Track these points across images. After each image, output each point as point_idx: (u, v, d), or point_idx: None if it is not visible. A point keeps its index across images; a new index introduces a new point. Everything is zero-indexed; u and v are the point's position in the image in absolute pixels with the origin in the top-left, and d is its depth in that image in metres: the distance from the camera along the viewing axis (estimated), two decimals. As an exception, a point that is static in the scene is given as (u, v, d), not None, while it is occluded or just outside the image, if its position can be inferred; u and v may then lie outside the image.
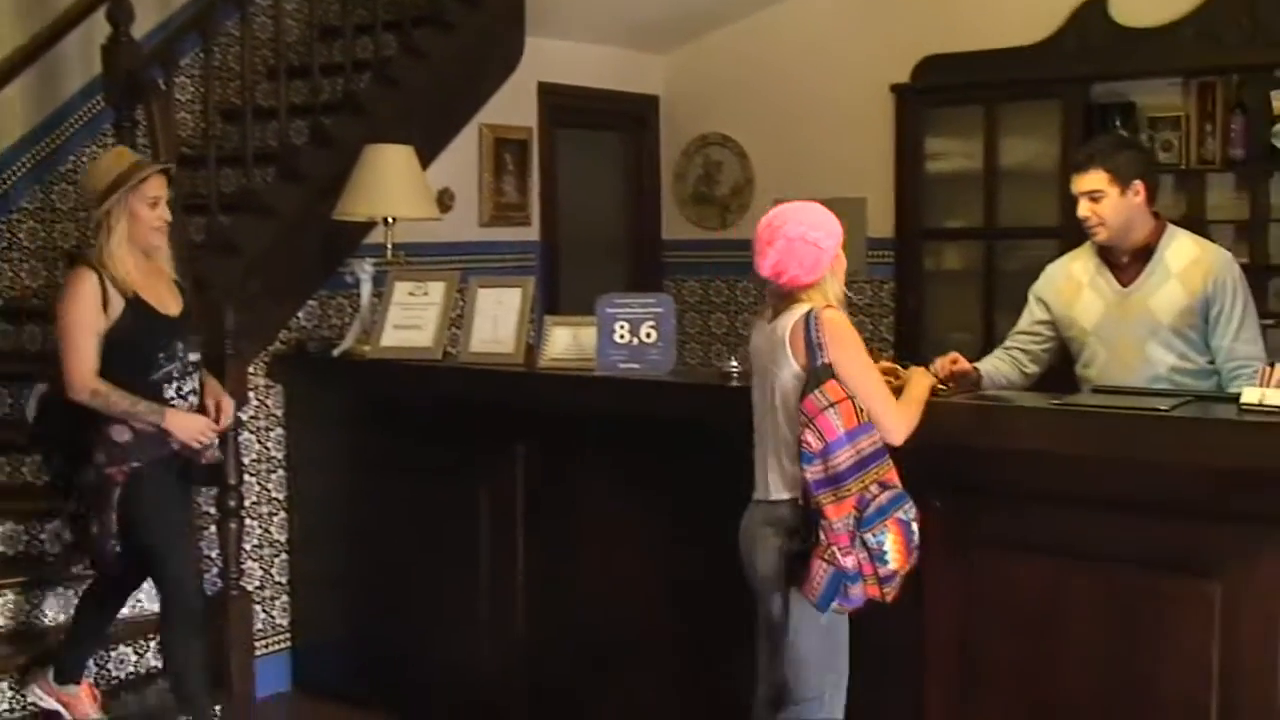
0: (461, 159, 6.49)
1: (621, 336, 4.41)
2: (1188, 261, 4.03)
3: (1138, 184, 4.03)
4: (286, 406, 5.44)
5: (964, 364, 4.09)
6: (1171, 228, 4.14)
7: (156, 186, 4.06)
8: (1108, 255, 4.15)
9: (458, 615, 4.82)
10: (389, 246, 5.16)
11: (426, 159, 5.45)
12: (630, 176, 7.99)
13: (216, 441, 4.27)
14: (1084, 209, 4.06)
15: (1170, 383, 3.97)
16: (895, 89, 7.03)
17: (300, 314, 5.55)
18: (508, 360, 4.68)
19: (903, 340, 7.09)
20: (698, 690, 4.23)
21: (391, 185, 5.03)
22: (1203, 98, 6.28)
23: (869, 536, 3.27)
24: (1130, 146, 4.52)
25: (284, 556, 5.49)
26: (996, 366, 4.29)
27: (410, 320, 4.96)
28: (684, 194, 7.94)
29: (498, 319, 4.77)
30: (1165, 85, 6.41)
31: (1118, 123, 6.38)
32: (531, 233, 7.10)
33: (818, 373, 3.31)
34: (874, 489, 3.30)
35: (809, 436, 3.28)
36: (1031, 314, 4.32)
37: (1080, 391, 4.03)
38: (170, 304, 4.12)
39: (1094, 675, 3.46)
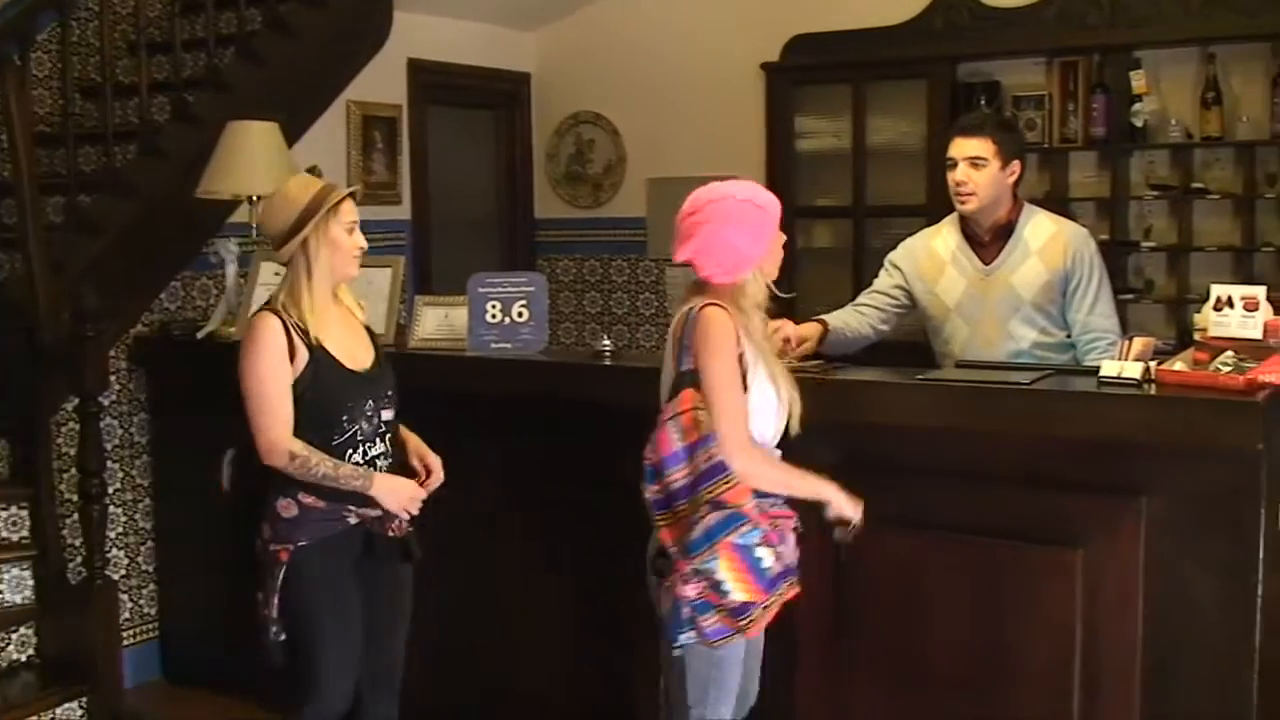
0: (329, 136, 6.39)
1: (493, 316, 4.39)
2: (1046, 238, 4.13)
3: (1015, 164, 4.13)
4: (150, 391, 5.33)
5: (802, 331, 4.13)
6: (1029, 206, 4.24)
7: (352, 210, 3.65)
8: (970, 233, 4.22)
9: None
10: (254, 226, 5.07)
11: (292, 136, 5.35)
12: (502, 154, 7.94)
13: (398, 519, 3.65)
14: (961, 173, 4.11)
15: (1032, 357, 4.06)
16: (765, 68, 7.07)
17: (163, 295, 5.44)
18: (379, 341, 4.62)
19: (773, 316, 7.11)
20: (586, 669, 4.24)
21: (256, 163, 4.92)
22: (1065, 77, 6.41)
23: (698, 563, 3.06)
24: (1015, 129, 4.64)
25: (150, 544, 5.39)
26: (847, 322, 4.35)
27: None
28: (556, 172, 7.92)
29: (367, 299, 4.70)
30: (1029, 65, 6.53)
31: (983, 101, 6.48)
32: (402, 211, 7.03)
33: (679, 379, 3.17)
34: (705, 509, 3.07)
35: (647, 450, 3.17)
36: (889, 278, 4.39)
37: (939, 367, 4.10)
38: (360, 354, 3.65)
39: (961, 645, 3.52)
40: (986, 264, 4.18)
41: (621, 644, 4.00)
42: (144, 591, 5.36)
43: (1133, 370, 3.35)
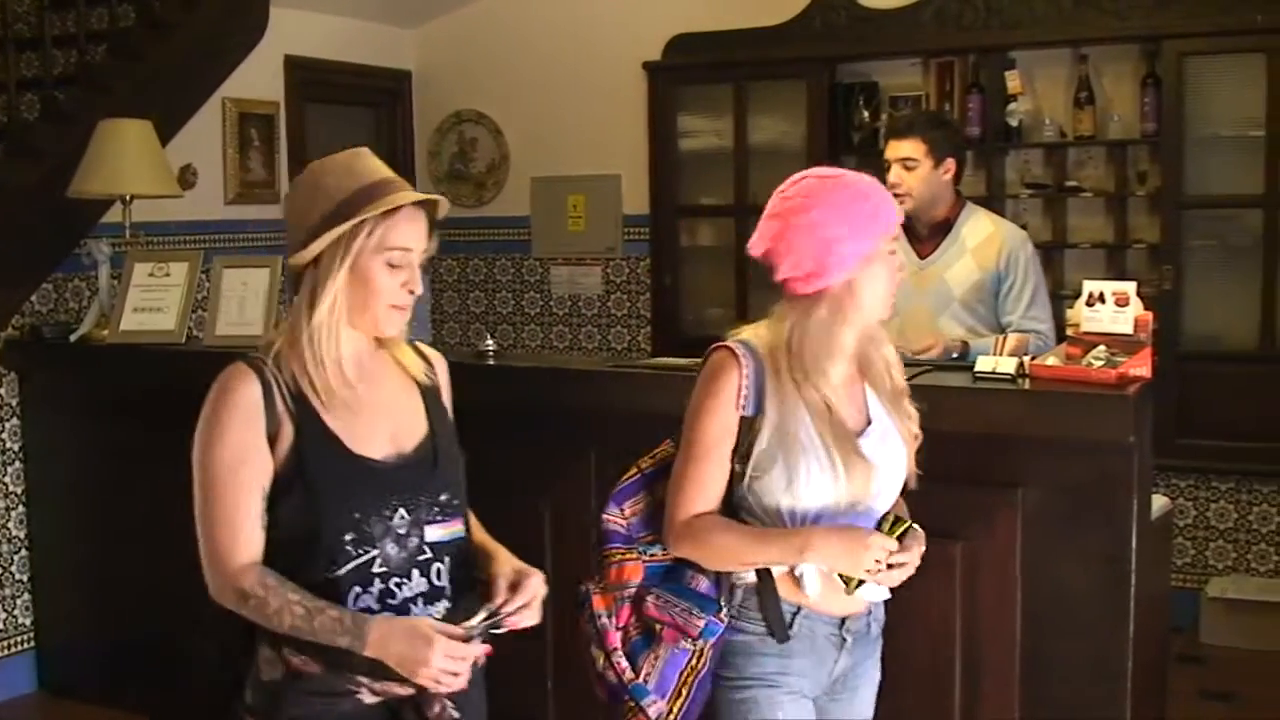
0: (204, 134, 6.27)
1: (374, 316, 4.34)
2: (983, 238, 4.20)
3: (950, 161, 4.20)
4: (21, 395, 5.20)
5: None
6: (970, 205, 4.33)
7: (412, 233, 2.39)
8: (908, 227, 4.27)
9: (210, 610, 4.68)
10: (127, 226, 4.97)
11: (166, 134, 5.27)
12: (383, 153, 7.70)
13: (443, 702, 2.34)
14: (895, 175, 4.17)
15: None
16: (647, 66, 7.08)
17: (34, 297, 5.31)
18: (256, 343, 4.52)
19: (660, 316, 7.16)
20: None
21: (129, 162, 4.84)
22: (941, 77, 6.49)
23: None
24: (947, 125, 4.66)
25: (24, 553, 5.26)
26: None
27: (151, 303, 4.79)
28: (439, 171, 7.85)
29: (244, 300, 4.64)
30: (906, 65, 6.60)
31: (860, 102, 6.56)
32: (280, 210, 6.91)
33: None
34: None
35: None
36: None
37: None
38: (396, 432, 2.43)
39: (843, 639, 3.55)
40: (922, 258, 4.24)
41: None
42: (18, 601, 5.23)
43: (1007, 365, 3.41)
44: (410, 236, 2.39)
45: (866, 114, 6.53)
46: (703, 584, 2.61)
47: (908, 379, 3.44)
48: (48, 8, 5.55)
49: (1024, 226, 6.30)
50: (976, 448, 3.35)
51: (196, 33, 5.69)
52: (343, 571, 2.31)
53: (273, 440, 2.32)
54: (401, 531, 2.36)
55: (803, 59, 6.67)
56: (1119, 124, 6.16)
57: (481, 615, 2.33)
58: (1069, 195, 6.31)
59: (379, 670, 2.27)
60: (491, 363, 4.08)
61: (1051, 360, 3.42)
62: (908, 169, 4.17)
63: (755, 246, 2.61)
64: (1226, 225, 6.03)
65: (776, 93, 6.87)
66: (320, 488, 2.32)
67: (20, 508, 5.24)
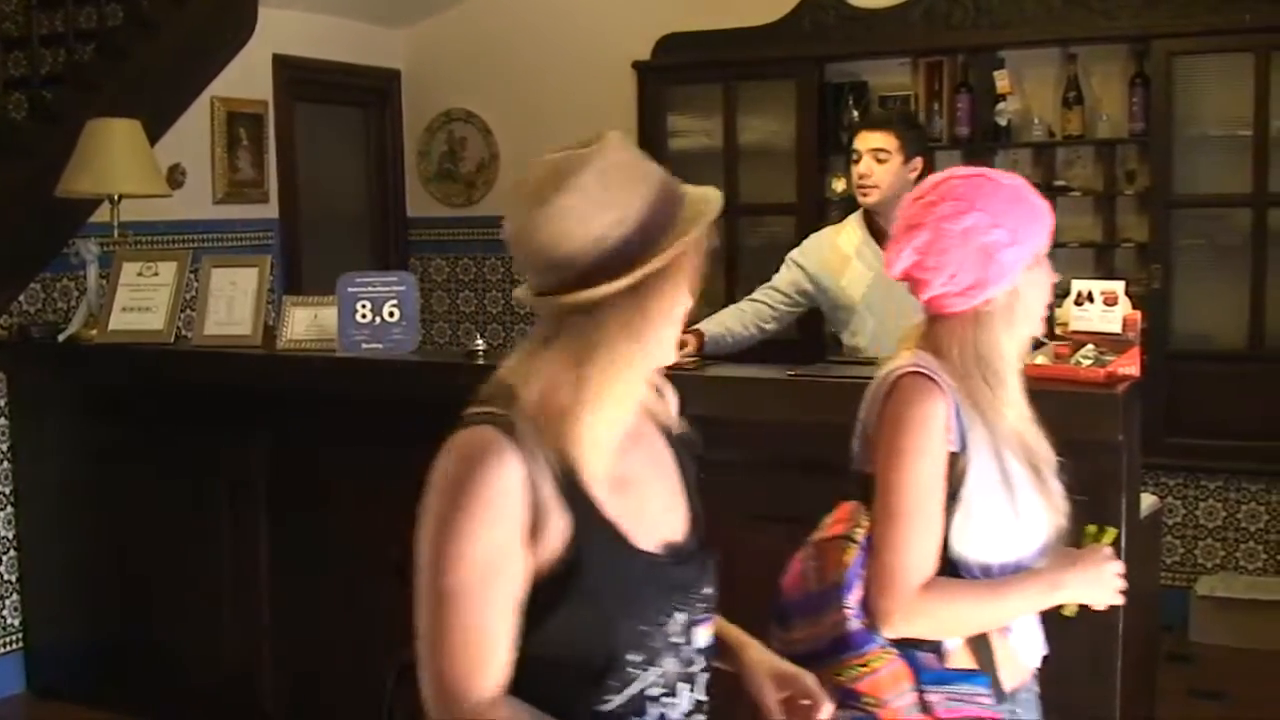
0: (193, 133, 6.26)
1: (363, 316, 4.34)
2: None
3: (918, 161, 4.23)
4: (10, 395, 5.19)
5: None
6: None
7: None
8: (874, 227, 4.29)
9: (200, 610, 4.68)
10: (115, 225, 4.96)
11: (155, 133, 5.26)
12: (373, 152, 7.85)
13: None
14: (865, 166, 4.19)
15: None
16: (637, 66, 7.08)
17: (22, 297, 5.30)
18: (245, 342, 4.56)
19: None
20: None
21: (117, 161, 4.83)
22: (930, 77, 6.50)
23: None
24: (918, 126, 4.70)
25: (13, 553, 5.24)
26: (728, 327, 4.35)
27: (139, 302, 4.78)
28: (428, 171, 7.85)
29: (233, 300, 4.63)
30: (895, 65, 6.61)
31: (850, 102, 6.56)
32: (269, 210, 6.92)
33: (851, 480, 2.32)
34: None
35: (783, 577, 2.36)
36: (790, 276, 4.42)
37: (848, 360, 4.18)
38: (666, 511, 1.92)
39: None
40: None
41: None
42: (6, 601, 5.21)
43: (997, 364, 3.41)
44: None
45: (856, 113, 6.53)
46: (932, 661, 2.22)
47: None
48: (35, 6, 5.53)
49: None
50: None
51: (185, 32, 5.69)
52: (619, 700, 1.80)
53: (533, 534, 1.75)
54: (676, 638, 1.86)
55: (792, 58, 6.67)
56: (1107, 123, 6.17)
57: None
58: (1058, 194, 6.31)
59: None
60: (481, 362, 4.07)
61: (1040, 359, 3.43)
62: (879, 161, 4.18)
63: (895, 264, 2.29)
64: (1215, 225, 6.04)
65: (766, 92, 6.87)
66: (604, 597, 1.78)
67: (8, 508, 5.23)
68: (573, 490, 1.77)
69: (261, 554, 4.53)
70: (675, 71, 7.04)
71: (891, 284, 4.21)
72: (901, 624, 2.16)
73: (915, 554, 2.15)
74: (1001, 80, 6.29)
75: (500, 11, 7.50)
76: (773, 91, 6.83)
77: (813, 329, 5.05)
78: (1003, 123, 6.30)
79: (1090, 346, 3.36)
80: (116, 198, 4.92)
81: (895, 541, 2.16)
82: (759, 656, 2.05)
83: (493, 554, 1.74)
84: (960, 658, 2.22)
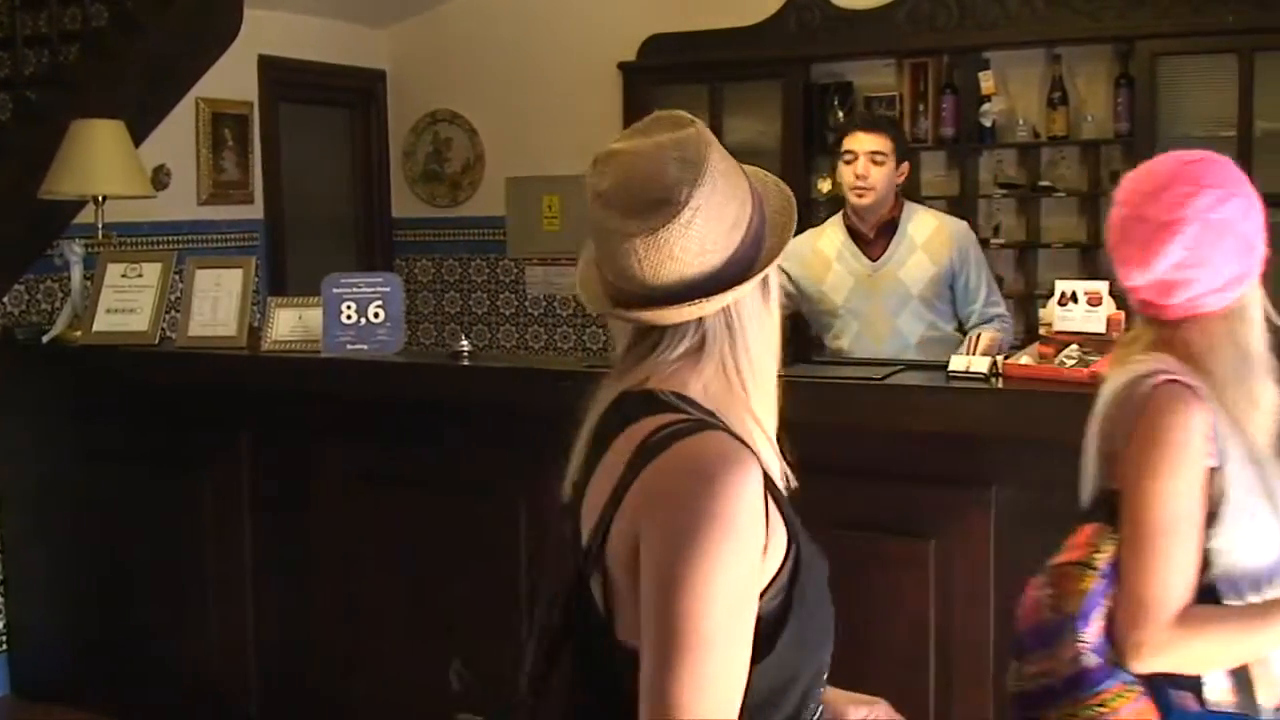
0: (178, 134, 6.25)
1: (348, 317, 4.33)
2: (930, 232, 4.27)
3: (905, 165, 4.29)
4: (-8, 396, 5.16)
5: None
6: (909, 203, 4.41)
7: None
8: (855, 230, 4.31)
9: (184, 612, 4.67)
10: (99, 226, 4.95)
11: (140, 134, 5.24)
12: (358, 153, 7.85)
13: None
14: (863, 167, 4.22)
15: (918, 351, 4.16)
16: (622, 67, 7.08)
17: (6, 299, 5.27)
18: (229, 344, 4.54)
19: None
20: (445, 681, 4.20)
21: (101, 162, 4.81)
22: (915, 78, 6.52)
23: None
24: (902, 131, 4.75)
25: (-5, 555, 5.22)
26: None
27: (124, 303, 4.76)
28: (414, 171, 7.84)
29: (218, 301, 4.62)
30: (880, 66, 6.63)
31: (835, 102, 6.57)
32: (254, 211, 6.90)
33: (1099, 499, 2.09)
34: None
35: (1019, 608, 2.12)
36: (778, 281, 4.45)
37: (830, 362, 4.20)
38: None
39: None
40: (874, 260, 4.28)
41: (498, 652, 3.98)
42: (-10, 603, 5.20)
43: (980, 364, 3.42)
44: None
45: (841, 114, 6.54)
46: (1189, 700, 2.01)
47: (880, 378, 3.46)
48: (19, 7, 5.52)
49: (997, 226, 6.38)
50: (950, 447, 3.36)
51: (170, 33, 5.67)
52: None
53: (765, 550, 1.58)
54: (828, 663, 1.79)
55: (777, 59, 6.68)
56: (1092, 124, 6.19)
57: None
58: (1042, 195, 6.34)
59: None
60: (467, 363, 4.07)
61: (1025, 359, 3.44)
62: (876, 163, 4.21)
63: (1153, 268, 2.05)
64: (1198, 225, 6.06)
65: (751, 93, 6.89)
66: (811, 619, 1.67)
67: (-8, 510, 5.21)
68: (776, 496, 1.64)
69: (246, 555, 4.52)
70: (660, 72, 7.04)
71: (875, 288, 4.27)
72: (1152, 658, 1.96)
73: (1170, 581, 1.95)
74: (986, 81, 6.31)
75: (485, 12, 7.49)
76: (758, 92, 6.84)
77: (799, 331, 5.05)
78: (987, 123, 6.32)
79: (1074, 346, 3.37)
80: (101, 199, 4.90)
81: (1149, 567, 1.95)
82: (834, 689, 1.93)
83: (744, 582, 1.54)
84: (1223, 695, 2.03)
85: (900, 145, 4.32)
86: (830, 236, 4.38)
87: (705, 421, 1.62)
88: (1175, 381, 2.00)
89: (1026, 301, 6.29)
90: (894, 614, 3.45)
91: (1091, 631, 1.97)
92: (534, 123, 7.40)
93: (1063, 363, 3.35)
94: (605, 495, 1.60)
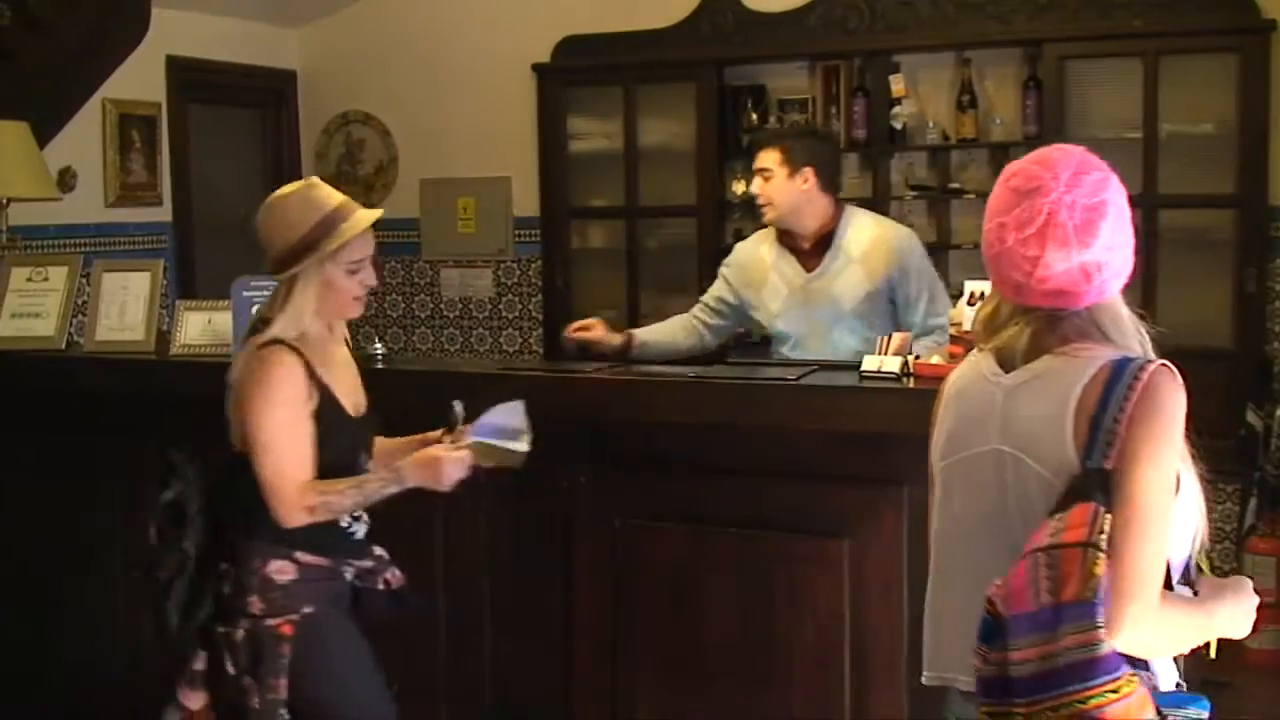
0: (84, 136, 6.16)
1: (259, 320, 4.28)
2: (868, 244, 4.22)
3: (807, 171, 4.20)
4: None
5: (599, 330, 4.20)
6: (850, 210, 4.34)
7: (364, 245, 3.08)
8: (789, 241, 4.30)
9: (95, 618, 4.59)
10: (3, 229, 4.86)
11: (45, 136, 5.17)
12: (269, 155, 7.76)
13: (392, 569, 3.17)
14: (756, 185, 4.24)
15: None
16: (536, 69, 7.07)
17: (-94, 303, 5.15)
18: (138, 348, 4.48)
19: (552, 318, 7.15)
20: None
21: (5, 164, 4.75)
22: (827, 81, 6.57)
23: None
24: (810, 135, 4.63)
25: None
26: (664, 332, 4.41)
27: (29, 308, 4.67)
28: (326, 173, 7.75)
29: (125, 305, 4.54)
30: (793, 69, 6.68)
31: (749, 104, 6.61)
32: (163, 213, 6.80)
33: (1081, 480, 2.01)
34: None
35: (991, 587, 2.00)
36: (716, 288, 4.47)
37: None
38: (358, 396, 3.21)
39: (736, 637, 3.57)
40: (809, 272, 4.27)
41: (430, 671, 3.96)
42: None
43: (892, 364, 3.45)
44: (364, 248, 3.05)
45: (755, 116, 6.58)
46: (1157, 680, 2.07)
47: (794, 379, 3.49)
48: (-81, 5, 5.43)
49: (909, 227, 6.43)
50: (863, 446, 3.39)
51: (75, 32, 5.60)
52: None
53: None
54: (364, 467, 3.10)
55: (691, 61, 6.71)
56: (1001, 127, 6.27)
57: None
58: (952, 197, 6.41)
59: (358, 551, 3.06)
60: (380, 366, 4.04)
61: (935, 359, 3.47)
62: (765, 179, 4.23)
63: (1093, 246, 2.08)
64: (1105, 225, 6.16)
65: (666, 95, 6.91)
66: (338, 442, 3.03)
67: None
68: (317, 380, 3.01)
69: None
70: (575, 74, 7.05)
71: (808, 301, 4.28)
72: (1132, 636, 1.96)
73: (1159, 558, 2.00)
74: (897, 84, 6.37)
75: (398, 12, 7.45)
76: (672, 94, 6.86)
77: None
78: (898, 126, 6.39)
79: (983, 346, 3.41)
80: (5, 201, 4.82)
81: (1148, 543, 1.98)
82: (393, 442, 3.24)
83: (292, 418, 2.95)
84: (1170, 679, 2.10)
85: (797, 154, 4.22)
86: (770, 243, 4.39)
87: (280, 339, 2.98)
88: (1167, 365, 2.05)
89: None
90: (808, 613, 3.48)
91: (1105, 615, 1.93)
92: (448, 124, 7.37)
93: (972, 362, 3.39)
94: None
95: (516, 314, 7.37)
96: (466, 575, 3.79)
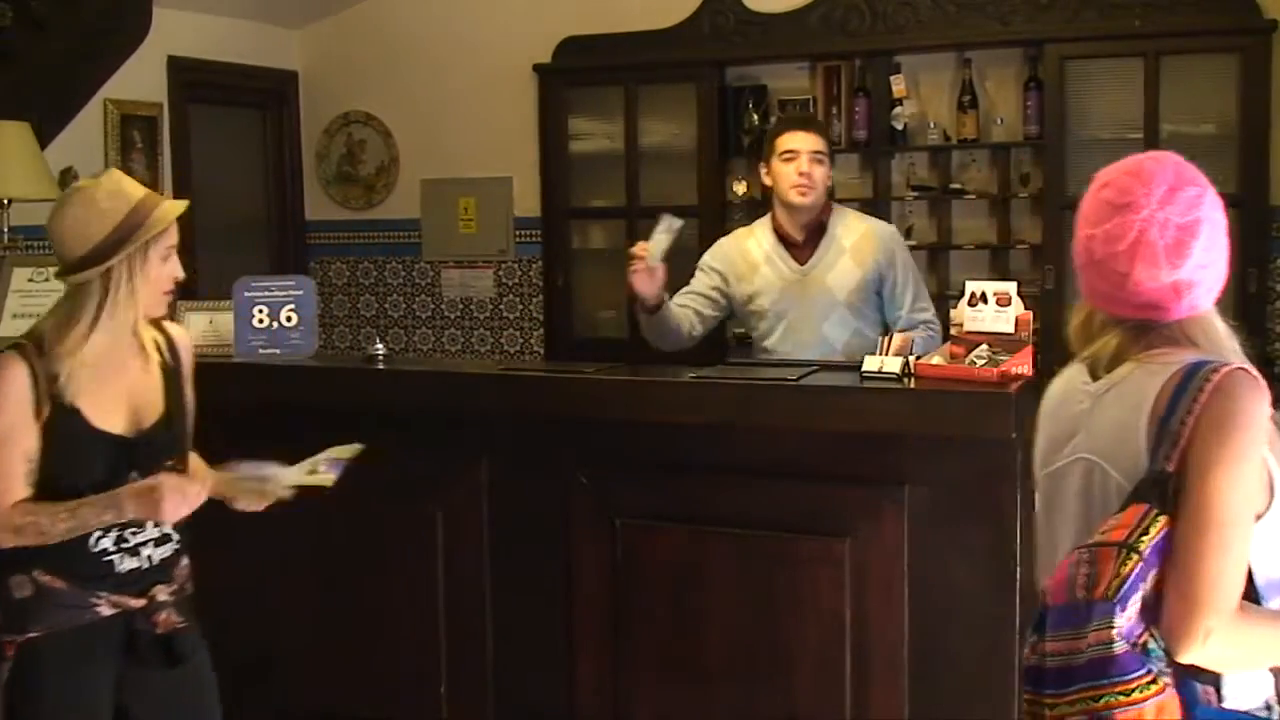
0: (85, 136, 6.15)
1: (261, 321, 4.28)
2: (858, 236, 4.26)
3: (831, 168, 4.31)
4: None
5: (658, 277, 4.13)
6: (838, 206, 4.40)
7: (174, 234, 2.92)
8: (784, 234, 4.31)
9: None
10: (5, 230, 4.87)
11: (46, 136, 5.17)
12: (271, 155, 7.77)
13: (169, 611, 2.92)
14: (805, 165, 4.20)
15: (844, 357, 4.15)
16: (537, 69, 7.07)
17: (-93, 304, 5.16)
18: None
19: (552, 319, 7.16)
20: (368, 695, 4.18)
21: (7, 164, 4.75)
22: (828, 81, 6.57)
23: None
24: None
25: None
26: (677, 314, 4.34)
27: (32, 308, 4.66)
28: (327, 174, 7.78)
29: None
30: (794, 69, 6.68)
31: (750, 105, 6.61)
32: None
33: (1141, 482, 1.98)
34: None
35: (1047, 579, 2.04)
36: (706, 279, 4.43)
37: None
38: (137, 410, 2.89)
39: (737, 637, 3.57)
40: (801, 264, 4.27)
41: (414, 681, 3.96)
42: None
43: (893, 365, 3.45)
44: (174, 236, 2.90)
45: (755, 117, 6.58)
46: (1212, 696, 1.98)
47: (794, 379, 3.49)
48: (-80, 6, 5.43)
49: (909, 228, 6.44)
50: (863, 446, 3.39)
51: (77, 33, 5.60)
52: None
53: (36, 416, 2.74)
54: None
55: (692, 62, 6.71)
56: (1002, 127, 6.27)
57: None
58: (953, 197, 6.41)
59: (117, 585, 2.80)
60: (382, 367, 4.04)
61: (936, 359, 3.47)
62: (818, 162, 4.22)
63: (1187, 264, 2.04)
64: (1106, 226, 6.15)
65: (666, 95, 6.91)
66: (65, 457, 2.77)
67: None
68: (54, 389, 2.74)
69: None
70: (576, 74, 7.05)
71: (803, 293, 4.27)
72: (1203, 648, 1.91)
73: (1236, 568, 1.92)
74: (897, 84, 6.37)
75: (399, 13, 7.45)
76: (673, 94, 6.86)
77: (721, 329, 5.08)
78: (899, 126, 6.39)
79: (984, 346, 3.41)
80: (6, 202, 4.83)
81: (1215, 553, 1.90)
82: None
83: (8, 426, 2.71)
84: (1242, 698, 2.01)
85: (830, 149, 4.33)
86: (759, 238, 4.38)
87: (19, 345, 2.78)
88: (1245, 370, 1.99)
89: (938, 302, 6.31)
90: (809, 613, 3.48)
91: (1125, 618, 1.89)
92: (449, 125, 7.37)
93: (973, 362, 3.39)
94: None
95: (517, 314, 7.37)
96: (466, 575, 3.79)
